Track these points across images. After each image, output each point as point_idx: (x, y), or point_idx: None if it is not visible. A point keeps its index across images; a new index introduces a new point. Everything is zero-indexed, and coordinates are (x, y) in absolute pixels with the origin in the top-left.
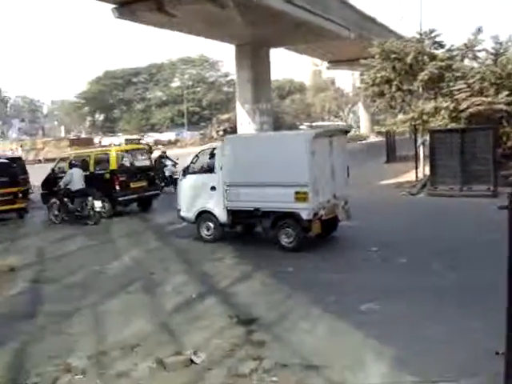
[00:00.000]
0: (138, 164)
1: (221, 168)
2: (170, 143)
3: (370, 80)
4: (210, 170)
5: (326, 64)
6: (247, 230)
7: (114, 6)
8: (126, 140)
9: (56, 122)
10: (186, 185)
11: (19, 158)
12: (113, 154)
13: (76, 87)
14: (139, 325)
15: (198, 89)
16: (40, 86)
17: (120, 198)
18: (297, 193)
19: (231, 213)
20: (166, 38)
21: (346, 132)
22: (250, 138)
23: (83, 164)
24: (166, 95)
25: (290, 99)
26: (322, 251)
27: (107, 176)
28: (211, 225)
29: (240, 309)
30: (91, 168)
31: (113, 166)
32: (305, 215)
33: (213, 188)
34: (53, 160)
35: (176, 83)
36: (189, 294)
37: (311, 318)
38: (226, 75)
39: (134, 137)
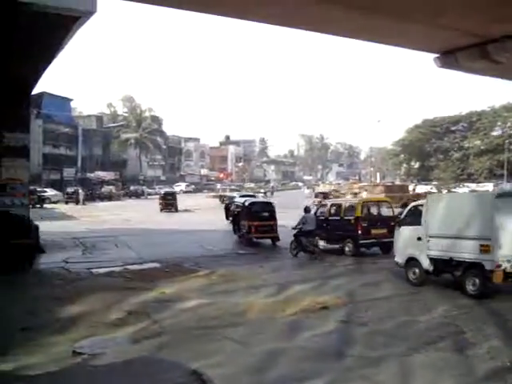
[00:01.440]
0: (382, 214)
1: (425, 221)
2: None
3: None
4: (417, 222)
5: None
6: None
7: (436, 55)
8: None
9: (372, 168)
10: (400, 234)
11: (271, 203)
12: (359, 204)
13: (393, 135)
14: None
15: None
16: (359, 134)
17: (361, 241)
18: (481, 245)
19: (433, 261)
20: (488, 84)
21: None
22: (447, 196)
23: (337, 210)
24: (485, 144)
25: None
26: None
27: (352, 222)
28: (417, 270)
29: None
30: (342, 214)
31: (357, 213)
32: (488, 266)
33: (419, 238)
34: None
35: (497, 132)
36: (503, 361)
37: None
38: None
39: None
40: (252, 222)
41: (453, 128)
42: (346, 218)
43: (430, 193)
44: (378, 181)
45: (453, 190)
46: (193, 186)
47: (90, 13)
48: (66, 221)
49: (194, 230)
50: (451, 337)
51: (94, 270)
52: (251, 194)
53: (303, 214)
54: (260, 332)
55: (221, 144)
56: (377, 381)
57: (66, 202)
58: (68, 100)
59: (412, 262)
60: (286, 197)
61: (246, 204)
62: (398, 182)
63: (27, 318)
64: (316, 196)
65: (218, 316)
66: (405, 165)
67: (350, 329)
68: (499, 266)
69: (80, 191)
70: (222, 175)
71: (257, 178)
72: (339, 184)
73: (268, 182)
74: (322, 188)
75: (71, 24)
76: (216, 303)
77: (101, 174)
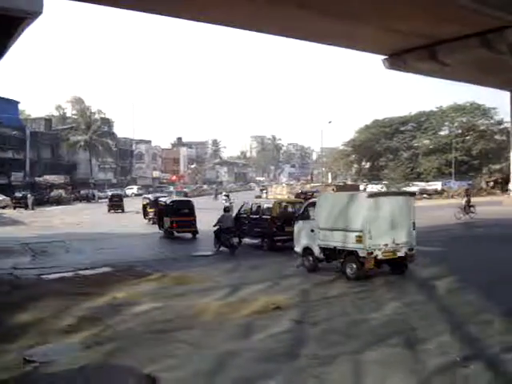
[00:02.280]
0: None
1: (316, 216)
2: (436, 193)
3: None
4: (309, 217)
5: None
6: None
7: (384, 56)
8: None
9: (324, 169)
10: (298, 227)
11: (190, 201)
12: (275, 204)
13: (344, 135)
14: (396, 382)
15: (468, 137)
16: (310, 134)
17: (275, 238)
18: (356, 236)
19: (322, 250)
20: (436, 85)
21: (413, 194)
22: (332, 195)
23: (257, 209)
24: (433, 144)
25: None
26: None
27: (269, 220)
28: (311, 258)
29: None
30: (261, 213)
31: (273, 213)
32: (361, 253)
33: (312, 231)
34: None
35: (445, 131)
36: (453, 355)
37: None
38: (500, 123)
39: None
40: (173, 218)
41: (402, 128)
42: (263, 216)
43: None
44: (329, 181)
45: (402, 188)
46: (150, 189)
47: (36, 13)
48: (15, 226)
49: (143, 233)
50: (402, 333)
51: (44, 276)
52: (165, 195)
53: (223, 213)
54: (213, 334)
55: (173, 146)
56: (330, 380)
57: (14, 208)
58: (15, 102)
59: (307, 250)
60: (241, 199)
61: (168, 202)
62: (349, 182)
63: None
64: (297, 196)
65: (171, 319)
66: (356, 165)
67: (302, 328)
68: (370, 253)
69: (29, 196)
70: (174, 177)
71: (210, 180)
72: (291, 185)
73: (221, 183)
74: (277, 189)
75: (17, 24)
76: (169, 306)
77: (50, 177)
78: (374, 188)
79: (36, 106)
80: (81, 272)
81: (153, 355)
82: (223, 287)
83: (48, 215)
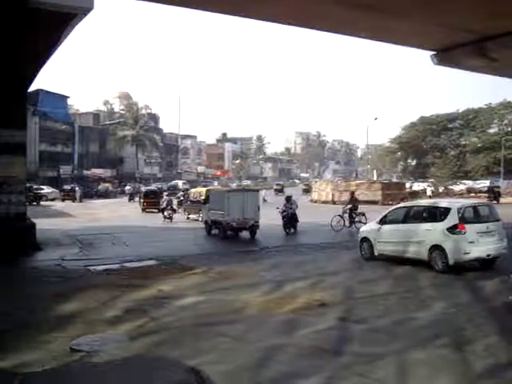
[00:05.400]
0: None
1: (208, 203)
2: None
3: None
4: (205, 202)
5: None
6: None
7: (433, 52)
8: None
9: (369, 166)
10: (204, 208)
11: (157, 190)
12: (206, 192)
13: (390, 132)
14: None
15: None
16: (355, 131)
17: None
18: (221, 213)
19: (212, 221)
20: (485, 82)
21: (257, 190)
22: (215, 190)
23: (197, 194)
24: (481, 142)
25: None
26: None
27: (202, 201)
28: (207, 226)
29: None
30: (199, 197)
31: (205, 197)
32: (224, 224)
33: (208, 210)
34: (365, 202)
35: (493, 129)
36: (501, 357)
37: None
38: None
39: None
40: (145, 200)
41: (449, 125)
42: (200, 198)
43: (424, 190)
44: (374, 178)
45: (449, 187)
46: (204, 183)
47: (87, 9)
48: (63, 218)
49: (187, 227)
50: (449, 334)
51: (90, 268)
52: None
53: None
54: (257, 329)
55: (218, 141)
56: (372, 378)
57: (63, 200)
58: (65, 97)
59: (207, 222)
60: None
61: (143, 190)
62: (394, 180)
63: (24, 315)
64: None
65: (216, 313)
66: (401, 162)
67: (347, 326)
68: (228, 223)
69: (77, 189)
70: (219, 172)
71: (254, 176)
72: (335, 181)
73: (265, 179)
74: (322, 186)
75: (69, 21)
76: (213, 300)
77: (97, 171)
78: (420, 186)
79: (84, 101)
80: (127, 264)
81: (197, 348)
82: (268, 282)
83: (95, 208)
